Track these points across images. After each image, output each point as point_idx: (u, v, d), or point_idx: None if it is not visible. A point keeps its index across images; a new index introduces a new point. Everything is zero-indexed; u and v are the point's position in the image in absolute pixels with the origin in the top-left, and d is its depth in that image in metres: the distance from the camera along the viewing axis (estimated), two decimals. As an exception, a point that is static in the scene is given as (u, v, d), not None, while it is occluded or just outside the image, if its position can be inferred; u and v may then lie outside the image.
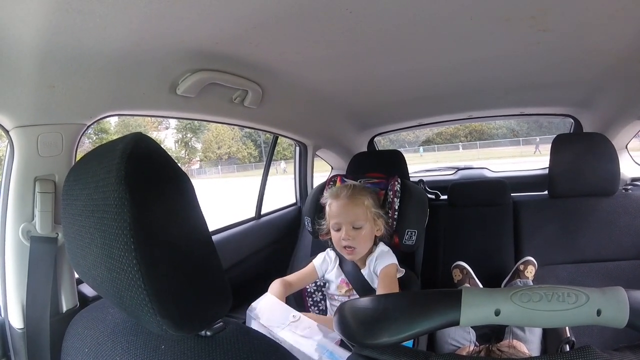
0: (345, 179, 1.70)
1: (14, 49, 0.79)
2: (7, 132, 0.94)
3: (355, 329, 0.59)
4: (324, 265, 1.56)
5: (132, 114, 1.20)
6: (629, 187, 2.04)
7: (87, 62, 0.92)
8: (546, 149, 2.16)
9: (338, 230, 1.44)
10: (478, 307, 0.51)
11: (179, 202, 0.56)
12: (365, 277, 1.46)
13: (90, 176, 0.57)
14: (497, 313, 0.50)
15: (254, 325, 1.18)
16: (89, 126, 1.07)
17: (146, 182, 0.52)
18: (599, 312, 0.49)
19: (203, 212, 0.59)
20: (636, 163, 2.27)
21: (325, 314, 1.57)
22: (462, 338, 1.55)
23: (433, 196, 2.42)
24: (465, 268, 1.95)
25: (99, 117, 1.07)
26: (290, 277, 1.51)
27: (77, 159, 1.04)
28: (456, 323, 0.52)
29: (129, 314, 0.57)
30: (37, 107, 0.92)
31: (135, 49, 0.95)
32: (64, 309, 1.05)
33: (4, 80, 0.83)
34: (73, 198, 0.61)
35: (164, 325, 0.52)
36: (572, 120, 2.40)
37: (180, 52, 1.04)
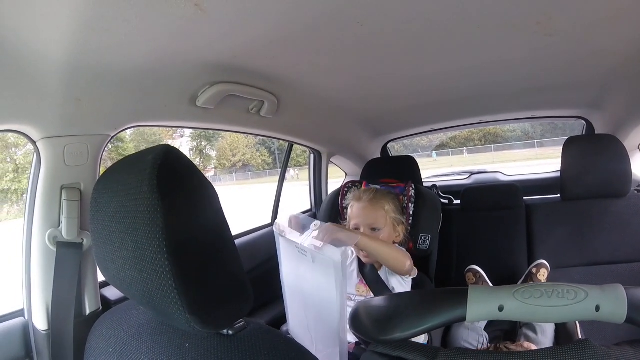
0: (370, 185, 1.74)
1: (43, 65, 0.83)
2: (34, 143, 0.98)
3: (369, 327, 0.62)
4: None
5: (154, 125, 1.24)
6: (642, 188, 2.03)
7: (112, 77, 0.97)
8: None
9: None
10: (483, 303, 0.54)
11: (205, 208, 0.59)
12: (382, 277, 1.49)
13: (122, 185, 0.60)
14: (500, 309, 0.53)
15: (282, 242, 1.21)
16: (113, 137, 1.11)
17: (176, 190, 0.56)
18: (597, 308, 0.51)
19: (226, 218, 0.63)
20: None
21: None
22: (475, 340, 1.56)
23: (446, 201, 2.43)
24: (478, 272, 1.96)
25: (122, 128, 1.11)
26: None
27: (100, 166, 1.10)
28: (463, 319, 0.55)
29: (157, 312, 0.60)
30: (64, 119, 0.96)
31: (158, 64, 1.00)
32: (87, 311, 1.09)
33: (34, 95, 0.88)
34: (103, 205, 0.65)
35: (192, 321, 0.54)
36: (584, 122, 2.38)
37: (200, 66, 1.08)
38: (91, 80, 0.93)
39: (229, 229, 0.63)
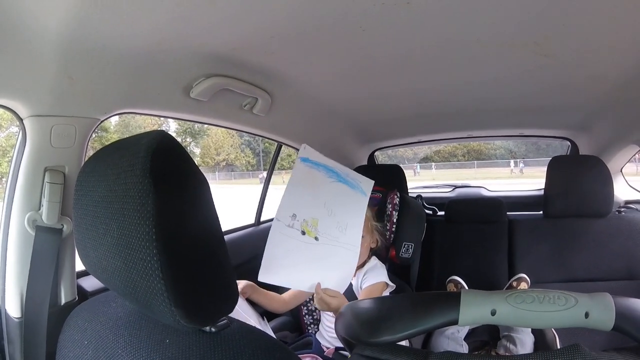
0: None
1: (38, 39, 0.80)
2: (20, 120, 0.94)
3: (358, 328, 0.61)
4: None
5: (145, 113, 1.21)
6: (622, 209, 2.08)
7: (107, 58, 0.94)
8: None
9: None
10: (476, 307, 0.54)
11: (197, 198, 0.57)
12: (354, 288, 1.48)
13: (111, 168, 0.57)
14: (493, 313, 0.54)
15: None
16: (102, 121, 1.07)
17: (169, 177, 0.53)
18: (587, 315, 0.52)
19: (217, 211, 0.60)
20: (630, 186, 2.31)
21: (319, 323, 1.58)
22: (455, 350, 1.57)
23: (430, 212, 2.44)
24: (459, 283, 1.97)
25: (113, 113, 1.08)
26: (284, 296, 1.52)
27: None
28: (455, 322, 0.55)
29: (140, 304, 0.57)
30: (54, 98, 0.93)
31: (155, 48, 0.97)
32: (63, 301, 1.05)
33: (24, 69, 0.84)
34: (88, 189, 0.62)
35: (177, 315, 0.52)
36: (569, 143, 2.44)
37: (197, 56, 1.06)
38: (86, 58, 0.90)
39: (219, 223, 0.60)
